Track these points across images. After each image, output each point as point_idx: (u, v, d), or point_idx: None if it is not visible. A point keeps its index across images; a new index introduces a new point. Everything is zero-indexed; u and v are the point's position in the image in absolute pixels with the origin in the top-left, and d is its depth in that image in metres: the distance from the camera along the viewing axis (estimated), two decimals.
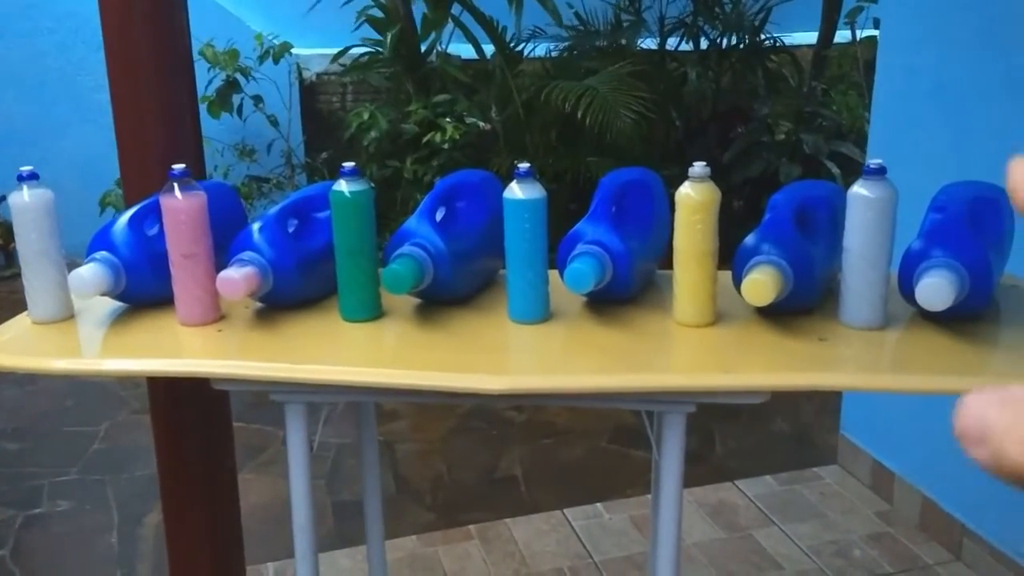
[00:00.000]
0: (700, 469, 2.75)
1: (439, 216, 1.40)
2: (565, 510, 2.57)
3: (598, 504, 2.60)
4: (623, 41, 4.81)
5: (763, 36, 5.03)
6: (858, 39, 5.20)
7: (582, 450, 2.98)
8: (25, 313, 1.40)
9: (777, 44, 5.09)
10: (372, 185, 4.31)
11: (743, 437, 3.02)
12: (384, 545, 1.84)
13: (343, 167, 1.33)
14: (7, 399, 3.42)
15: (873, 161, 1.31)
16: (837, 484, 2.68)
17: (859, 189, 1.30)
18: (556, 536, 2.46)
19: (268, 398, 1.31)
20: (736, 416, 3.11)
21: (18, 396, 3.45)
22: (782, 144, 4.65)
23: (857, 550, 2.35)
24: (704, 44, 5.06)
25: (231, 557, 2.05)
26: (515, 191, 1.29)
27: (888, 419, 2.56)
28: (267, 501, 2.63)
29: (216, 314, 1.39)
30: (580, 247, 1.31)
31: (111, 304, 1.43)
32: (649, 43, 4.99)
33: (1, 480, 2.83)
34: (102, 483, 2.81)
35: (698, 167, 1.29)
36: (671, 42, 5.03)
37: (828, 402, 2.84)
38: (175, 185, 1.33)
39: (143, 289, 1.40)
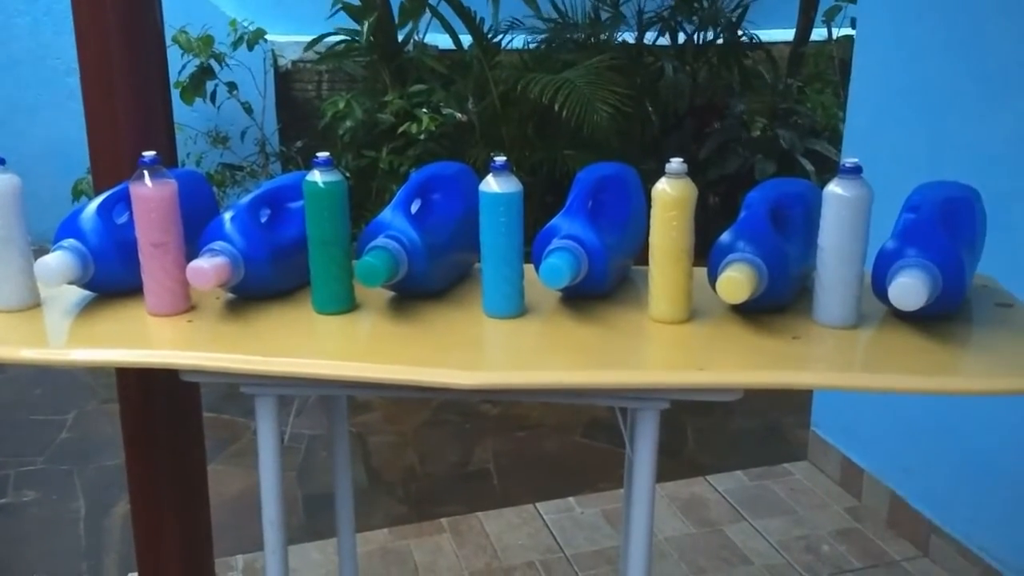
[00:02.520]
0: (672, 464, 2.76)
1: (414, 208, 1.39)
2: (537, 504, 2.57)
3: (570, 498, 2.60)
4: (602, 35, 4.80)
5: (740, 32, 5.05)
6: (834, 38, 5.23)
7: (555, 444, 2.98)
8: None
9: (754, 40, 5.10)
10: (347, 175, 4.24)
11: (715, 432, 3.04)
12: (355, 538, 1.83)
13: (317, 157, 1.32)
14: None
15: (849, 160, 1.31)
16: (807, 480, 2.70)
17: (835, 188, 1.30)
18: (528, 530, 2.46)
19: (239, 389, 1.29)
20: (708, 412, 3.12)
21: None
22: (757, 141, 4.67)
23: (825, 545, 2.37)
24: (681, 39, 5.07)
25: (200, 548, 2.03)
26: (491, 184, 1.28)
27: (858, 416, 2.58)
28: (238, 492, 2.60)
29: (186, 304, 1.37)
30: (556, 242, 1.31)
31: (79, 293, 1.41)
32: (627, 37, 4.99)
33: None
34: (69, 473, 2.77)
35: (675, 163, 1.29)
36: (649, 36, 5.03)
37: (799, 398, 2.86)
38: (145, 173, 1.31)
39: (112, 278, 1.37)
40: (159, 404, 1.86)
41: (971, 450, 2.18)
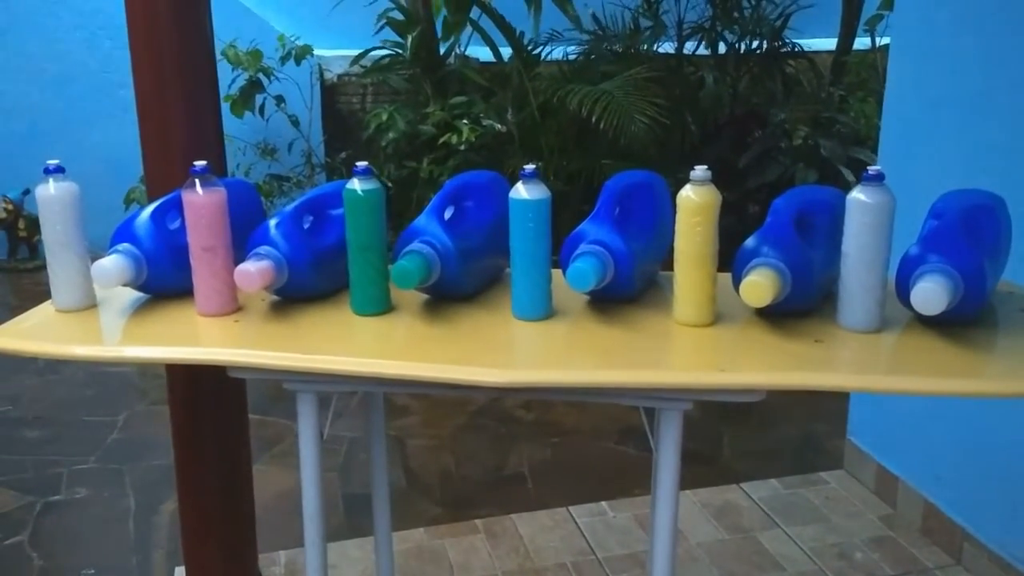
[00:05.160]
0: (707, 471, 2.78)
1: (447, 215, 1.45)
2: (570, 507, 2.61)
3: (603, 502, 2.64)
4: (642, 46, 4.84)
5: (782, 41, 5.05)
6: (877, 46, 5.20)
7: (589, 450, 3.01)
8: (49, 302, 1.46)
9: (796, 49, 5.10)
10: (389, 184, 4.31)
11: (751, 441, 3.05)
12: (392, 536, 1.89)
13: (356, 166, 1.38)
14: (29, 388, 3.50)
15: (872, 167, 1.34)
16: (842, 488, 2.70)
17: (857, 194, 1.33)
18: (561, 532, 2.50)
19: (284, 391, 1.36)
20: (745, 420, 3.13)
21: (40, 385, 3.53)
22: (799, 149, 4.65)
23: (859, 553, 2.38)
24: (722, 48, 5.08)
25: (244, 544, 2.10)
26: (520, 191, 1.34)
27: (894, 425, 2.58)
28: (280, 491, 2.68)
29: (234, 306, 1.44)
30: (583, 247, 1.36)
31: (132, 294, 1.48)
32: (667, 47, 5.02)
33: (21, 467, 2.90)
34: (120, 471, 2.87)
35: (699, 170, 1.33)
36: (689, 46, 5.06)
37: (835, 408, 2.86)
38: (196, 181, 1.38)
39: (164, 280, 1.45)
40: (207, 404, 1.94)
41: (1005, 459, 2.17)
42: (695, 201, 1.32)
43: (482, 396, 1.26)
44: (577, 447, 3.04)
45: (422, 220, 1.41)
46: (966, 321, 1.34)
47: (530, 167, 1.34)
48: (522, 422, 3.20)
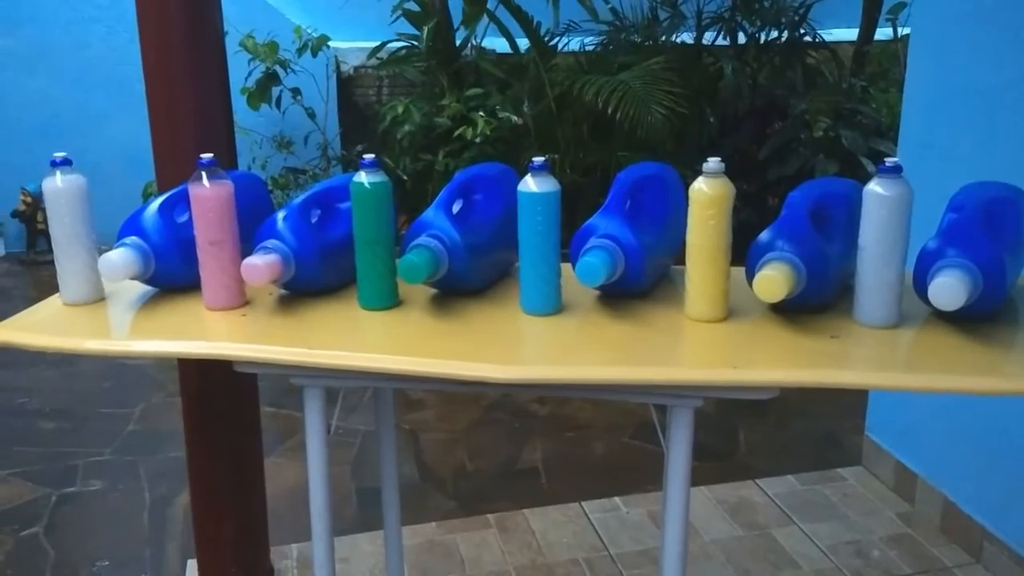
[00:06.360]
0: (722, 466, 2.75)
1: (456, 208, 1.43)
2: (583, 503, 2.59)
3: (616, 498, 2.62)
4: (661, 37, 4.80)
5: (802, 31, 4.99)
6: (899, 36, 5.13)
7: (604, 445, 2.99)
8: (56, 295, 1.45)
9: (817, 40, 5.04)
10: (404, 177, 4.29)
11: (768, 436, 3.01)
12: (401, 530, 1.88)
13: (363, 159, 1.37)
14: (46, 380, 3.52)
15: (889, 159, 1.31)
16: (860, 485, 2.67)
17: (874, 187, 1.30)
18: (573, 528, 2.48)
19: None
20: (762, 415, 3.10)
21: (56, 377, 3.55)
22: (820, 141, 4.60)
23: (876, 551, 2.34)
24: (742, 39, 5.03)
25: (255, 537, 2.10)
26: (529, 184, 1.31)
27: (913, 421, 2.54)
28: (294, 484, 2.68)
29: (241, 299, 1.43)
30: (592, 241, 1.33)
31: (140, 288, 1.48)
32: (685, 37, 4.97)
33: (37, 459, 2.92)
34: (135, 463, 2.88)
35: (712, 162, 1.31)
36: (708, 36, 5.01)
37: (854, 404, 2.82)
38: (203, 174, 1.37)
39: (171, 274, 1.44)
40: (218, 397, 1.94)
41: None
42: (707, 194, 1.30)
43: (493, 390, 1.26)
44: (591, 442, 3.01)
45: (430, 213, 1.40)
46: (986, 317, 1.31)
47: (539, 159, 1.32)
48: (536, 416, 3.19)
